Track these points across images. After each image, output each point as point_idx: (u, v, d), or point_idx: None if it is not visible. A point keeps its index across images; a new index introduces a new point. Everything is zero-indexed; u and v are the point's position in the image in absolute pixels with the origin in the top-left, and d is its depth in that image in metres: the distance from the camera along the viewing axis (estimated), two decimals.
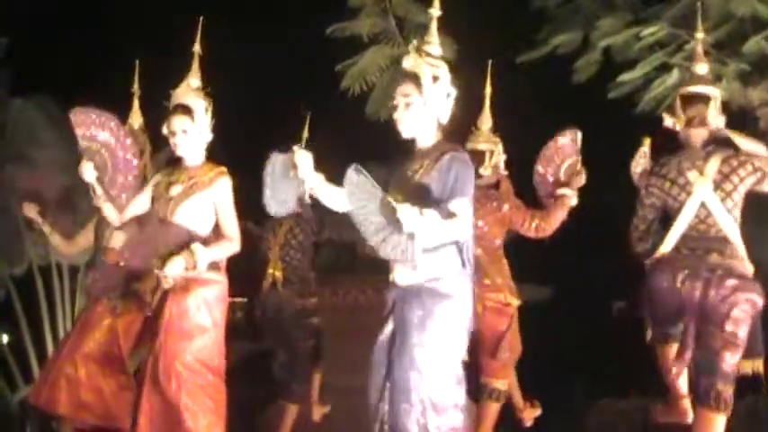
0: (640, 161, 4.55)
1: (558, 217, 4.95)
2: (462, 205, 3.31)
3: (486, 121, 5.17)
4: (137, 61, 4.98)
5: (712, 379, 3.82)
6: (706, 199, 3.90)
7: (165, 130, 4.17)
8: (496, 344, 4.91)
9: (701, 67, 4.14)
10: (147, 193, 4.24)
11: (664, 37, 6.57)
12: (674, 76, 6.57)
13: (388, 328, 3.44)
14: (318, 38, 7.01)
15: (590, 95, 7.00)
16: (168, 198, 4.12)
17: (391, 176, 3.46)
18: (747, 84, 6.61)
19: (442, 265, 3.37)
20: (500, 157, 5.09)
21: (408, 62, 3.50)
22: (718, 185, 3.89)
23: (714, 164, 3.92)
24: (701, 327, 3.87)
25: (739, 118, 4.18)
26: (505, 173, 5.11)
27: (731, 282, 3.83)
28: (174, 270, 3.95)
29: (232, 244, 4.12)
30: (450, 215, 3.26)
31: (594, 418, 6.23)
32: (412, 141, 3.52)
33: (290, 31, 9.15)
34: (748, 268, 3.91)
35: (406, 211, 3.14)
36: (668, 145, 4.11)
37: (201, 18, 4.22)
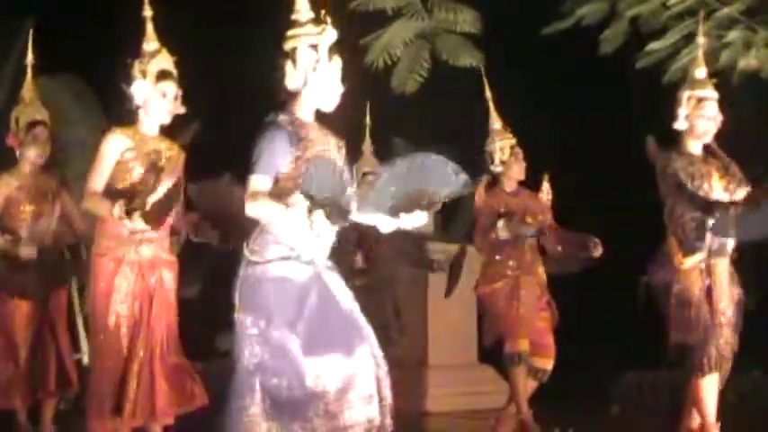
0: None
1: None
2: None
3: (495, 121, 5.50)
4: (30, 30, 4.85)
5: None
6: None
7: (141, 94, 3.94)
8: None
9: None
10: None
11: (692, 5, 6.46)
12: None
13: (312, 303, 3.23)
14: (341, 12, 6.96)
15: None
16: (160, 168, 3.92)
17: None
18: None
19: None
20: (497, 152, 5.37)
21: (334, 36, 3.37)
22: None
23: None
24: None
25: None
26: (499, 168, 5.37)
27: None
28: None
29: None
30: None
31: (621, 391, 6.21)
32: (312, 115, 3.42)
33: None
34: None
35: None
36: None
37: None
